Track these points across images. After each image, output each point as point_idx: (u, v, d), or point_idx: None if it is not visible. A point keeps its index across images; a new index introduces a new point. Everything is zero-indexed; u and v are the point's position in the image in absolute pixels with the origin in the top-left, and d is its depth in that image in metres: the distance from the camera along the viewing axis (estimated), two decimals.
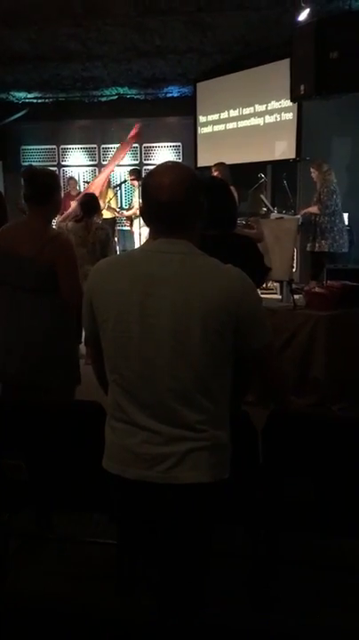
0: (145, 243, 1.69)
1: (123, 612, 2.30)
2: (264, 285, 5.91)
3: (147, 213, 1.66)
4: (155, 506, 1.64)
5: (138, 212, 8.71)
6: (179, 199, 1.58)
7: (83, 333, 1.83)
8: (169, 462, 1.59)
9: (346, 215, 7.32)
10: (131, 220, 9.30)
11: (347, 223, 7.37)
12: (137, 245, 8.41)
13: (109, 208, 9.30)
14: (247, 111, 9.00)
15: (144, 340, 1.58)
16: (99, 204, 6.08)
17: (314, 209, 6.85)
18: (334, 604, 2.39)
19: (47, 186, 2.83)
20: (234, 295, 1.57)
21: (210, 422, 1.61)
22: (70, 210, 7.70)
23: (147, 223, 1.68)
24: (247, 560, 2.32)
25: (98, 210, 5.97)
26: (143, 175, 10.48)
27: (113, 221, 9.58)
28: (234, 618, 2.30)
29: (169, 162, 1.71)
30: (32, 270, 2.71)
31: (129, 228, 9.76)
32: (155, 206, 1.61)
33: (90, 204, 5.77)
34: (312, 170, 7.01)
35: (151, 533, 1.70)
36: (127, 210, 9.66)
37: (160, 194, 1.59)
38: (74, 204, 7.75)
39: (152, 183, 1.62)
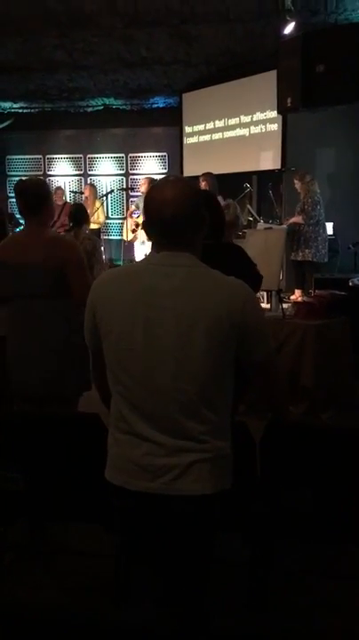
0: (148, 255, 1.71)
1: (120, 624, 2.29)
2: None
3: (150, 227, 1.67)
4: (159, 517, 1.65)
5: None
6: (181, 213, 1.61)
7: None
8: (172, 474, 1.60)
9: (330, 225, 7.41)
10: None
11: (331, 232, 7.45)
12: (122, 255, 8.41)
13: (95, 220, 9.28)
14: (232, 122, 9.08)
15: (147, 351, 1.59)
16: (88, 214, 6.12)
17: (298, 219, 6.93)
18: (333, 613, 2.40)
19: (38, 196, 2.85)
20: (237, 307, 1.59)
21: (212, 433, 1.63)
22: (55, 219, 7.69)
23: (150, 237, 1.70)
24: (245, 569, 2.33)
25: (87, 220, 6.01)
26: (129, 185, 10.56)
27: (98, 232, 9.58)
28: (233, 626, 2.31)
29: (171, 176, 1.74)
30: (41, 276, 2.71)
31: (119, 238, 9.71)
32: (159, 221, 1.63)
33: (79, 214, 5.81)
34: (295, 181, 7.09)
35: (154, 544, 1.71)
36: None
37: (163, 208, 1.61)
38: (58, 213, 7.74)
39: (155, 198, 1.64)
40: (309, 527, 2.20)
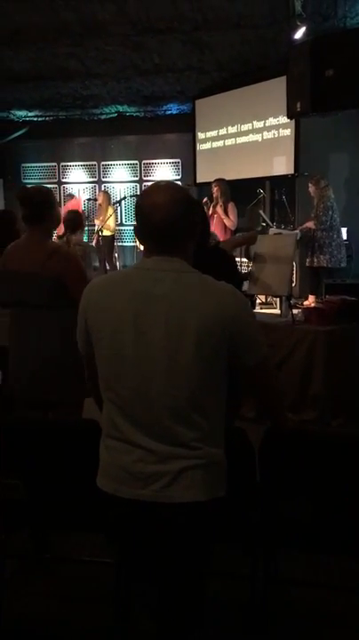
0: (139, 261, 1.70)
1: (121, 634, 2.27)
2: (264, 300, 5.92)
3: (142, 232, 1.67)
4: (151, 525, 1.63)
5: None
6: (172, 219, 1.60)
7: None
8: (163, 481, 1.59)
9: (344, 230, 7.34)
10: None
11: (345, 238, 7.38)
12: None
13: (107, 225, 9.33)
14: (245, 127, 9.07)
15: (138, 357, 1.58)
16: (82, 221, 6.20)
17: (310, 224, 6.89)
18: (336, 626, 2.36)
19: (41, 204, 2.85)
20: (227, 311, 1.58)
21: (204, 440, 1.61)
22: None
23: (141, 242, 1.70)
24: (244, 580, 2.30)
25: (80, 226, 6.09)
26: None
27: (112, 238, 9.62)
28: (234, 639, 2.28)
29: (162, 181, 1.73)
30: (36, 285, 2.72)
31: (133, 244, 9.75)
32: (149, 226, 1.62)
33: (73, 220, 5.91)
34: (310, 185, 7.05)
35: (147, 553, 1.69)
36: None
37: (154, 214, 1.60)
38: None
39: (146, 203, 1.63)
40: (310, 537, 2.17)
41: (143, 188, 10.88)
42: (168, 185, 1.69)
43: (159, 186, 1.68)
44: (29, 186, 3.17)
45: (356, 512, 2.10)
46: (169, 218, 1.60)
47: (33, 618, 2.47)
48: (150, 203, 1.61)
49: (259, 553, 2.25)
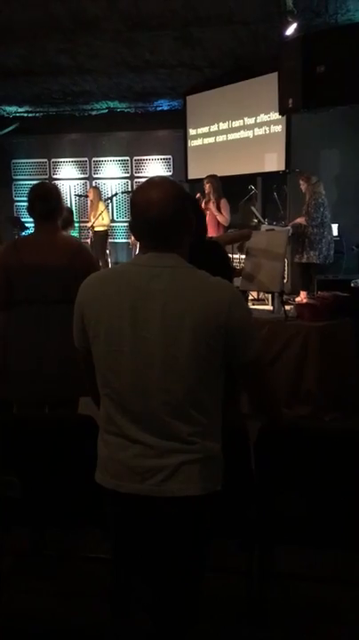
0: (135, 257, 1.71)
1: (119, 630, 2.28)
2: (256, 296, 5.93)
3: (137, 229, 1.68)
4: (148, 519, 1.64)
5: None
6: (167, 215, 1.60)
7: None
8: (161, 475, 1.60)
9: (335, 226, 7.37)
10: None
11: (336, 234, 7.42)
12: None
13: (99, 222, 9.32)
14: (236, 124, 9.07)
15: (135, 353, 1.59)
16: (73, 218, 6.32)
17: (301, 220, 6.91)
18: (336, 622, 2.38)
19: (57, 200, 2.91)
20: (223, 307, 1.58)
21: (201, 434, 1.62)
22: None
23: (137, 238, 1.70)
24: (242, 575, 2.31)
25: (71, 224, 6.17)
26: (133, 188, 10.57)
27: (105, 234, 9.60)
28: (231, 634, 2.29)
29: (156, 177, 1.73)
30: (66, 280, 2.70)
31: (126, 240, 9.76)
32: (145, 222, 1.63)
33: (67, 219, 5.90)
34: (301, 182, 7.07)
35: (145, 548, 1.70)
36: None
37: (149, 210, 1.60)
38: None
39: (140, 199, 1.63)
40: (306, 531, 2.19)
41: (134, 184, 10.87)
42: (163, 180, 1.70)
43: (154, 182, 1.68)
44: (40, 182, 3.19)
45: (352, 506, 2.13)
46: (164, 214, 1.60)
47: (30, 615, 2.47)
48: (145, 199, 1.62)
49: (255, 548, 2.27)
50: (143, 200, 1.62)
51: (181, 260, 1.65)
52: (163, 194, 1.61)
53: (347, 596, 2.49)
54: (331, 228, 7.04)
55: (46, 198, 2.85)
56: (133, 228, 1.69)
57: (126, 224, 10.38)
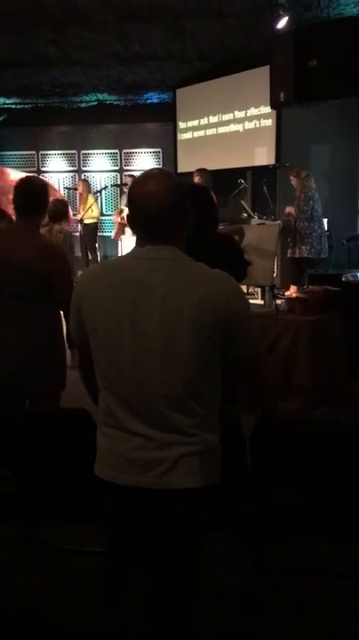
0: (133, 250, 1.69)
1: (113, 624, 2.27)
2: (246, 290, 5.94)
3: (135, 221, 1.66)
4: (148, 512, 1.64)
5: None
6: (166, 207, 1.59)
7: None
8: (162, 467, 1.59)
9: (325, 220, 7.39)
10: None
11: (326, 228, 7.43)
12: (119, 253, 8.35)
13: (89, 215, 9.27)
14: (226, 117, 9.05)
15: (134, 346, 1.58)
16: (67, 211, 6.23)
17: (291, 209, 6.91)
18: (330, 614, 2.38)
19: (42, 198, 2.86)
20: (222, 301, 1.58)
21: (201, 427, 1.62)
22: None
23: (135, 231, 1.69)
24: (236, 568, 2.32)
25: (66, 217, 6.12)
26: (123, 182, 10.52)
27: (94, 226, 9.56)
28: (226, 630, 2.29)
29: (154, 169, 1.71)
30: (28, 277, 2.69)
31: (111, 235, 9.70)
32: (143, 215, 1.61)
33: (60, 211, 5.93)
34: (291, 177, 7.07)
35: (143, 540, 1.69)
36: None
37: (147, 202, 1.59)
38: None
39: (139, 192, 1.62)
40: (302, 525, 2.19)
41: (123, 177, 10.81)
42: (160, 173, 1.69)
43: (152, 174, 1.67)
44: (28, 175, 3.14)
45: (345, 500, 2.13)
46: (163, 206, 1.59)
47: (22, 608, 2.46)
48: (144, 191, 1.60)
49: (249, 541, 2.27)
50: (142, 193, 1.61)
51: (180, 252, 1.64)
52: (161, 186, 1.60)
53: (340, 588, 2.50)
54: (321, 222, 7.05)
55: (26, 193, 2.81)
56: (131, 220, 1.67)
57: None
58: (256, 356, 1.72)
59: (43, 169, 11.39)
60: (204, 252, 1.70)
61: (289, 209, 6.95)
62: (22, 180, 2.91)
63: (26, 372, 2.75)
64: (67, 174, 11.37)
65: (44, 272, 2.69)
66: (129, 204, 1.66)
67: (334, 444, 2.13)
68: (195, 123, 9.60)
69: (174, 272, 1.59)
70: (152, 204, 1.58)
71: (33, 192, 2.82)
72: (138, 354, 1.58)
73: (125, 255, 1.73)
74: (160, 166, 10.55)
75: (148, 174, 1.67)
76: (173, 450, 1.59)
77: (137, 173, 9.45)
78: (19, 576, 2.64)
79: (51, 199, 3.24)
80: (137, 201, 1.62)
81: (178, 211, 1.62)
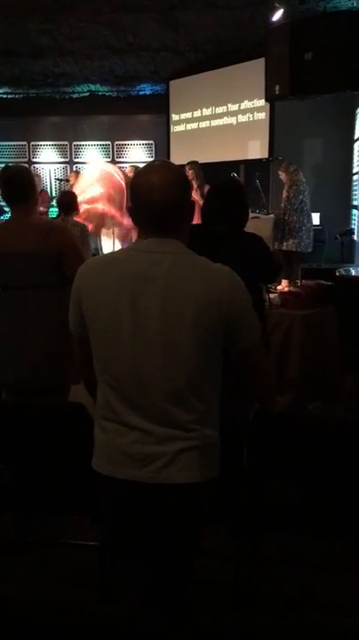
0: (135, 242, 1.68)
1: (107, 616, 2.28)
2: None
3: (138, 214, 1.64)
4: (146, 506, 1.63)
5: None
6: (169, 200, 1.57)
7: None
8: (160, 462, 1.59)
9: (317, 215, 7.38)
10: None
11: (318, 223, 7.43)
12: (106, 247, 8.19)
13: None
14: (220, 110, 9.01)
15: (135, 340, 1.57)
16: (77, 203, 6.17)
17: (285, 195, 6.86)
18: (323, 608, 2.39)
19: (25, 184, 2.86)
20: (223, 294, 1.57)
21: (200, 421, 1.61)
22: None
23: (137, 223, 1.67)
24: (231, 561, 2.32)
25: (77, 209, 6.09)
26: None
27: None
28: (219, 622, 2.29)
29: (157, 161, 1.70)
30: (39, 264, 2.70)
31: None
32: (147, 207, 1.59)
33: (70, 204, 5.90)
34: (280, 172, 7.04)
35: (140, 534, 1.69)
36: None
37: (150, 194, 1.57)
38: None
39: (142, 184, 1.60)
40: (296, 519, 2.20)
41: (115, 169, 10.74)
42: (163, 165, 1.66)
43: (155, 166, 1.65)
44: (6, 165, 3.15)
45: (341, 494, 2.14)
46: (166, 198, 1.57)
47: (16, 601, 2.45)
48: (147, 184, 1.58)
49: (244, 534, 2.27)
50: (144, 184, 1.59)
51: (182, 245, 1.63)
52: (164, 178, 1.58)
53: (334, 582, 2.52)
54: (310, 216, 7.03)
55: (10, 182, 2.82)
56: (133, 213, 1.65)
57: None
58: (256, 351, 1.71)
59: (35, 160, 11.29)
60: (228, 248, 1.69)
61: (284, 194, 6.88)
62: (6, 170, 2.94)
63: (48, 362, 2.75)
64: (59, 165, 11.27)
65: (54, 252, 2.70)
66: (131, 197, 1.64)
67: (330, 438, 2.14)
68: (188, 115, 9.55)
69: (176, 265, 1.58)
70: (155, 196, 1.56)
71: (14, 179, 2.83)
72: (138, 347, 1.57)
73: (126, 247, 1.72)
74: (152, 158, 10.50)
75: (151, 165, 1.65)
76: (172, 444, 1.58)
77: (128, 165, 9.48)
78: (13, 569, 2.63)
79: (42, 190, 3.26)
80: (139, 192, 1.60)
81: (181, 203, 1.61)
